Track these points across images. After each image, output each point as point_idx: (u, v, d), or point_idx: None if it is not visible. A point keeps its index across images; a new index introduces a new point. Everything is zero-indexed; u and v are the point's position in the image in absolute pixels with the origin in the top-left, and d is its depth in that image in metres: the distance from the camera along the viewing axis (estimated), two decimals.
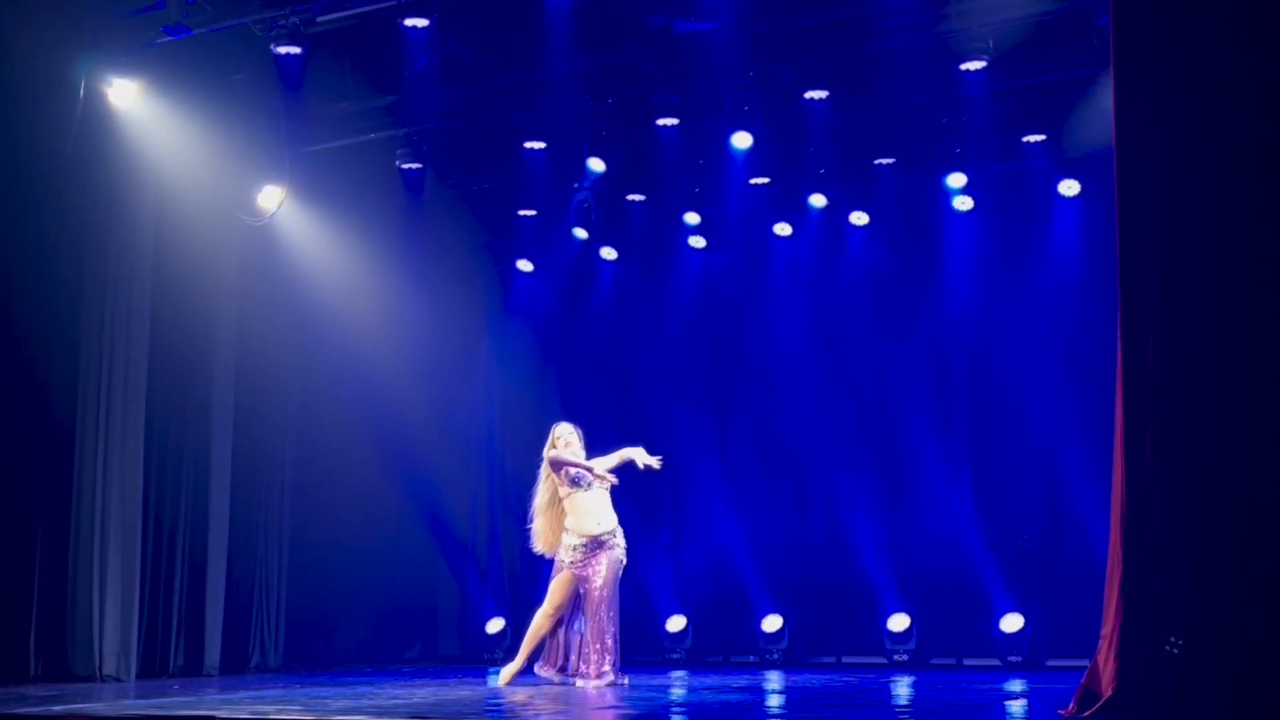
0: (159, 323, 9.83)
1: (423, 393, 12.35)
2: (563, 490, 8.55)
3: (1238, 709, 5.43)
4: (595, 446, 12.14)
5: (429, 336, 12.40)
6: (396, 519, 12.36)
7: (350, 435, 11.79)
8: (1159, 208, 5.93)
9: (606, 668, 8.33)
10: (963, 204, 11.28)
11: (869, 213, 11.78)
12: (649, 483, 12.38)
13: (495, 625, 12.74)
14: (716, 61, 9.80)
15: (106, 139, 9.43)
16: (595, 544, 8.43)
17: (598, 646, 8.34)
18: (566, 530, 8.51)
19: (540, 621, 8.57)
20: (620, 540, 8.48)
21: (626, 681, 8.46)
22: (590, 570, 8.40)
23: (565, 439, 8.70)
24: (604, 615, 8.36)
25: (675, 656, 12.03)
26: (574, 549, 8.46)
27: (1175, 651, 5.58)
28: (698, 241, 12.50)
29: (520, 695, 7.85)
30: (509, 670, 8.65)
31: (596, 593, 8.36)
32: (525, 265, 13.03)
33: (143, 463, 9.61)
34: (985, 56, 9.32)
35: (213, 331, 10.41)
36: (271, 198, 10.45)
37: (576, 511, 8.48)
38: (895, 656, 11.28)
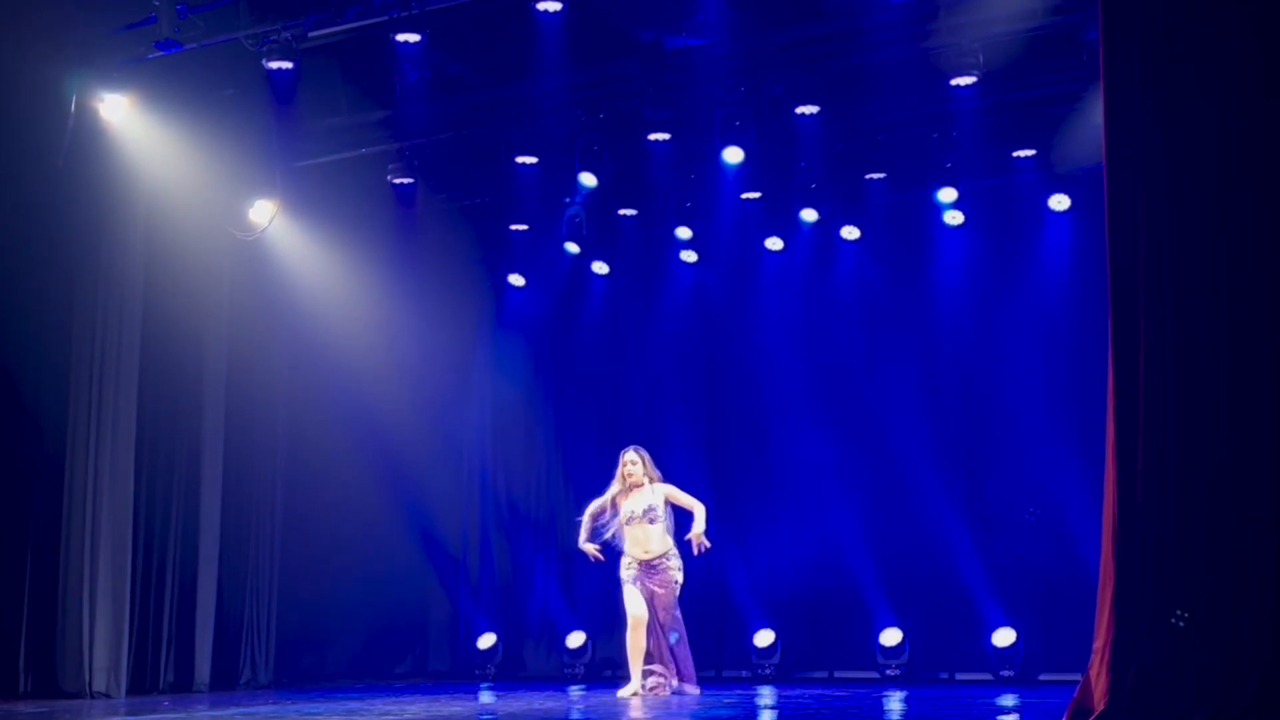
0: (149, 338, 9.81)
1: (414, 408, 12.34)
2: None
3: None
4: (590, 457, 12.19)
5: (421, 351, 12.39)
6: (388, 534, 12.34)
7: (342, 450, 11.78)
8: (1149, 222, 5.94)
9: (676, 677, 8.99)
10: (953, 219, 11.31)
11: (860, 227, 11.81)
12: None
13: (487, 641, 12.71)
14: (707, 76, 9.83)
15: (98, 154, 9.43)
16: (647, 566, 8.95)
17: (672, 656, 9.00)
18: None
19: (631, 636, 9.00)
20: (673, 563, 9.01)
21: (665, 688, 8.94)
22: (651, 588, 8.96)
23: (626, 469, 9.12)
24: (673, 628, 8.99)
25: None
26: (628, 566, 9.03)
27: (1180, 625, 5.59)
28: (689, 256, 12.52)
29: (514, 708, 7.83)
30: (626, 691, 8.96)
31: (662, 608, 8.94)
32: (517, 279, 13.04)
33: (133, 478, 9.59)
34: (975, 72, 9.35)
35: (204, 346, 10.40)
36: (263, 213, 10.45)
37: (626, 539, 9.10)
38: (888, 671, 11.27)
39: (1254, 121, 5.78)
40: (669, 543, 8.98)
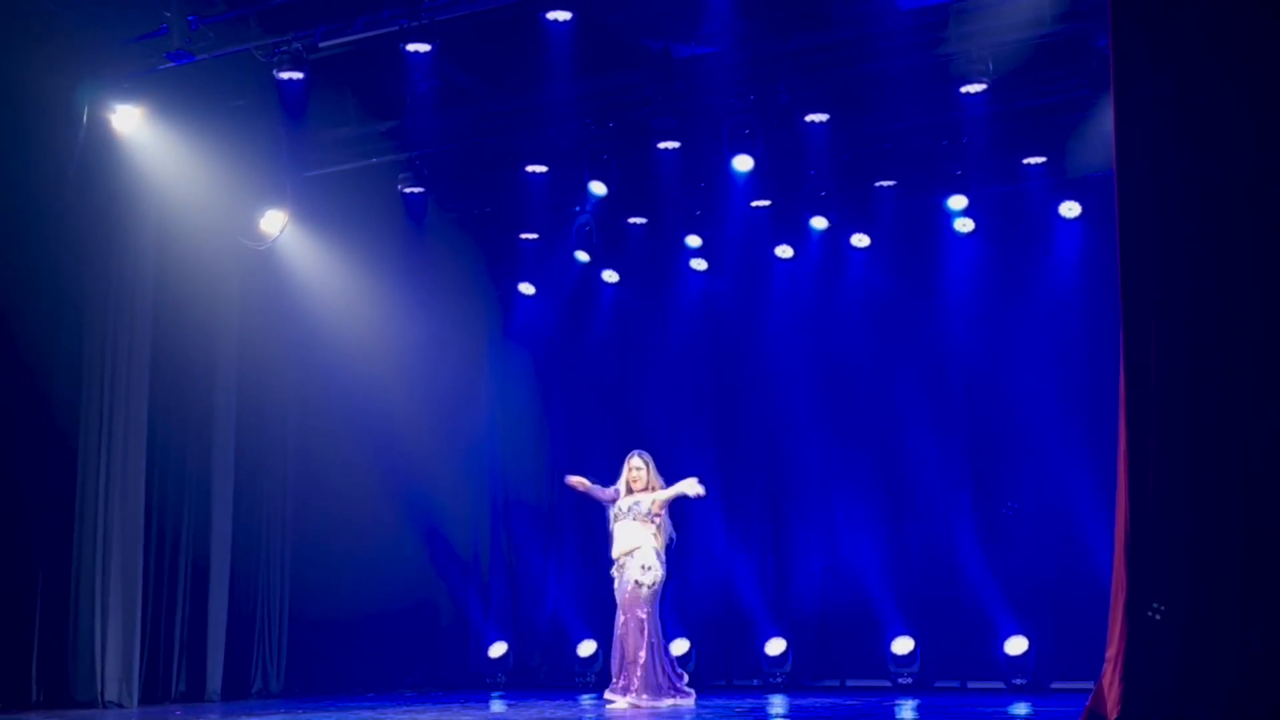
0: (161, 348, 9.84)
1: (424, 416, 12.35)
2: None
3: None
4: (600, 466, 12.17)
5: (431, 360, 12.40)
6: (398, 543, 12.34)
7: (352, 459, 11.79)
8: (1159, 229, 5.94)
9: (634, 687, 8.48)
10: (963, 226, 11.30)
11: (870, 235, 11.81)
12: None
13: (498, 649, 12.72)
14: (716, 85, 9.83)
15: (109, 164, 9.46)
16: (619, 566, 8.72)
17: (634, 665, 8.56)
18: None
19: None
20: (635, 561, 8.57)
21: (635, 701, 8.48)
22: (620, 592, 8.69)
23: (631, 474, 8.90)
24: (631, 636, 8.54)
25: None
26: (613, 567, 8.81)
27: (1158, 618, 5.60)
28: (699, 264, 12.53)
29: (525, 717, 7.84)
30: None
31: (621, 613, 8.62)
32: (527, 288, 13.06)
33: (144, 487, 9.60)
34: (985, 79, 9.35)
35: (214, 356, 10.43)
36: (273, 222, 10.47)
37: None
38: (899, 679, 11.25)
39: (1265, 127, 5.78)
40: (643, 542, 8.58)
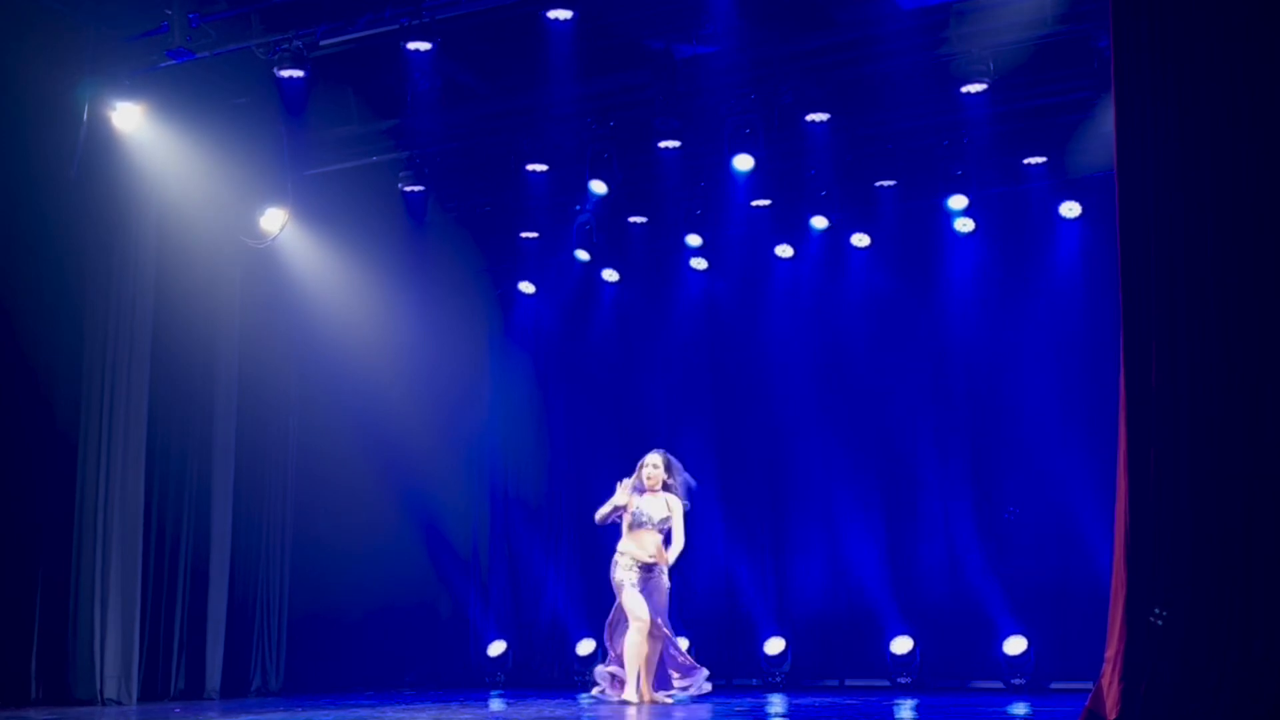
0: (161, 346, 9.84)
1: (424, 415, 12.35)
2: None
3: None
4: (600, 465, 12.20)
5: (431, 359, 12.41)
6: (398, 542, 12.35)
7: (352, 457, 11.79)
8: (1160, 229, 5.94)
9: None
10: (964, 226, 11.31)
11: (870, 235, 11.82)
12: None
13: (497, 648, 12.73)
14: (717, 85, 9.85)
15: (110, 162, 9.46)
16: (645, 569, 8.75)
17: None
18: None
19: (635, 639, 8.67)
20: (664, 572, 8.86)
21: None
22: (648, 592, 8.75)
23: (646, 470, 8.90)
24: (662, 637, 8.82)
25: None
26: (628, 568, 8.76)
27: (1159, 623, 5.61)
28: (699, 263, 12.53)
29: (524, 716, 7.83)
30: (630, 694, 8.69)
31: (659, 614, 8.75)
32: (527, 287, 13.07)
33: (144, 485, 9.61)
34: (986, 79, 9.36)
35: (215, 354, 10.44)
36: (274, 220, 10.48)
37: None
38: (898, 679, 11.25)
39: (1266, 127, 5.78)
40: (664, 553, 8.78)
